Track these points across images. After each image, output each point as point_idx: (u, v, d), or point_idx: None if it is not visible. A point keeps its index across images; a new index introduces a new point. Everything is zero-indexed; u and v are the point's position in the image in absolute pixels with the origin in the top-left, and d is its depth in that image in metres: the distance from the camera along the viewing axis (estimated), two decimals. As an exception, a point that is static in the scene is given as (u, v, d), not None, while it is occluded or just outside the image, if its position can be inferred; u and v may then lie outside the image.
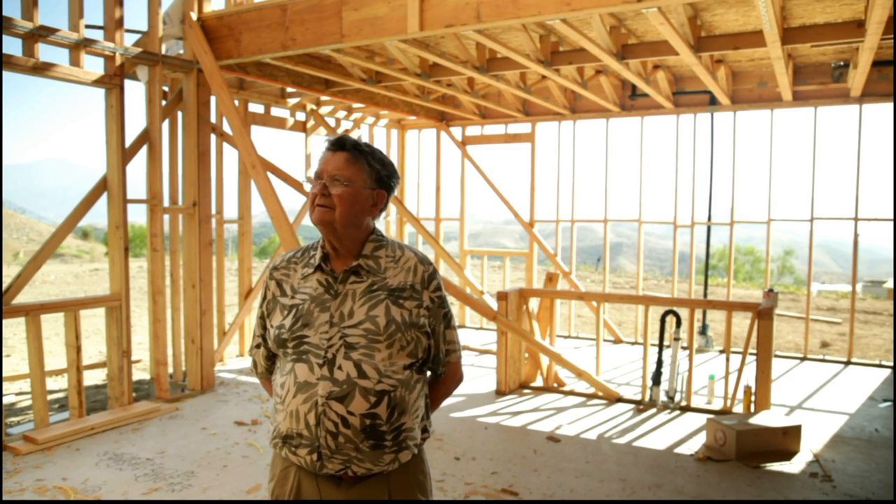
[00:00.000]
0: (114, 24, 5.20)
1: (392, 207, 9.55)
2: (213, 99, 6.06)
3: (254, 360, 2.03)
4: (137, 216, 8.95)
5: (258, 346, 1.96)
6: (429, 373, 1.94)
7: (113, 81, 5.17)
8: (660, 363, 5.61)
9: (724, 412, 5.35)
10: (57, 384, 6.39)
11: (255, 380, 6.47)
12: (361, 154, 1.81)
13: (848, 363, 7.35)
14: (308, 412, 1.71)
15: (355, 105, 8.49)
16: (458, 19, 4.46)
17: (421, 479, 1.87)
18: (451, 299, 12.12)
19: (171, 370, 6.13)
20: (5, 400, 5.82)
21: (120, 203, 5.21)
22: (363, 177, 1.80)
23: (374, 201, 1.83)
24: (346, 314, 1.77)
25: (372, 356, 1.73)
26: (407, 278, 1.82)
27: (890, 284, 20.58)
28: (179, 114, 5.97)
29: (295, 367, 1.76)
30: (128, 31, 5.53)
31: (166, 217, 5.88)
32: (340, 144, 1.81)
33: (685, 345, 6.98)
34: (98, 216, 7.96)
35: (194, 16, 5.65)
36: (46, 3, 9.27)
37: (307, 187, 1.86)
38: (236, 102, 7.01)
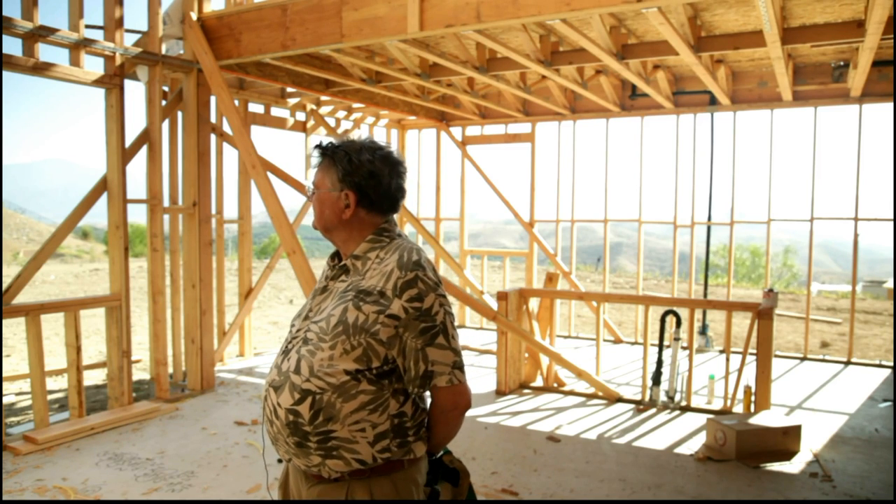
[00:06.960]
0: (114, 24, 5.20)
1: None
2: (213, 99, 6.07)
3: None
4: (137, 216, 8.91)
5: None
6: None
7: (113, 81, 5.18)
8: (660, 363, 5.61)
9: (724, 412, 5.35)
10: (57, 384, 6.39)
11: (255, 380, 6.47)
12: (325, 156, 1.82)
13: (848, 363, 7.35)
14: (264, 396, 1.81)
15: (355, 105, 8.49)
16: (458, 19, 4.46)
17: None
18: (451, 300, 12.13)
19: (171, 370, 6.13)
20: (5, 400, 5.82)
21: (120, 203, 5.22)
22: (326, 181, 1.81)
23: (347, 202, 1.78)
24: (320, 310, 1.79)
25: (314, 354, 1.70)
26: (379, 282, 1.72)
27: (890, 284, 20.58)
28: (179, 114, 5.97)
29: None
30: (128, 31, 5.53)
31: (166, 217, 5.88)
32: (317, 148, 1.84)
33: (685, 345, 6.98)
34: (98, 216, 7.96)
35: (194, 16, 5.65)
36: (46, 3, 9.25)
37: (309, 188, 1.89)
38: (236, 102, 7.01)
